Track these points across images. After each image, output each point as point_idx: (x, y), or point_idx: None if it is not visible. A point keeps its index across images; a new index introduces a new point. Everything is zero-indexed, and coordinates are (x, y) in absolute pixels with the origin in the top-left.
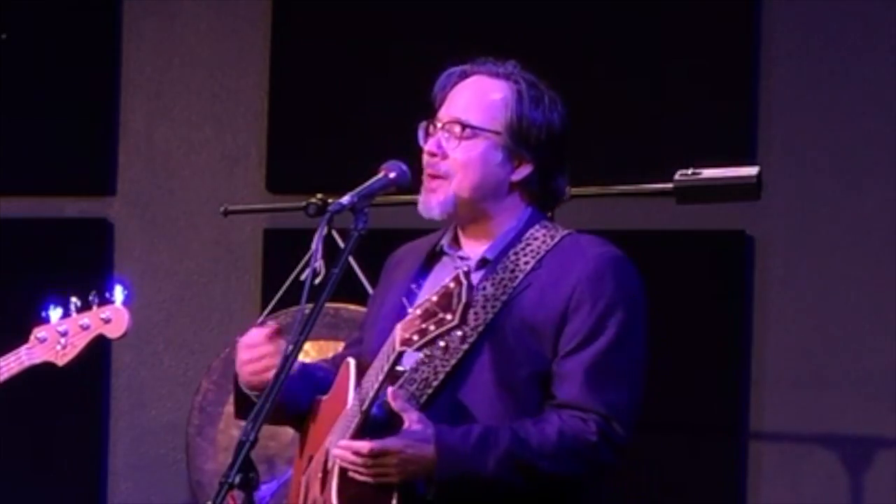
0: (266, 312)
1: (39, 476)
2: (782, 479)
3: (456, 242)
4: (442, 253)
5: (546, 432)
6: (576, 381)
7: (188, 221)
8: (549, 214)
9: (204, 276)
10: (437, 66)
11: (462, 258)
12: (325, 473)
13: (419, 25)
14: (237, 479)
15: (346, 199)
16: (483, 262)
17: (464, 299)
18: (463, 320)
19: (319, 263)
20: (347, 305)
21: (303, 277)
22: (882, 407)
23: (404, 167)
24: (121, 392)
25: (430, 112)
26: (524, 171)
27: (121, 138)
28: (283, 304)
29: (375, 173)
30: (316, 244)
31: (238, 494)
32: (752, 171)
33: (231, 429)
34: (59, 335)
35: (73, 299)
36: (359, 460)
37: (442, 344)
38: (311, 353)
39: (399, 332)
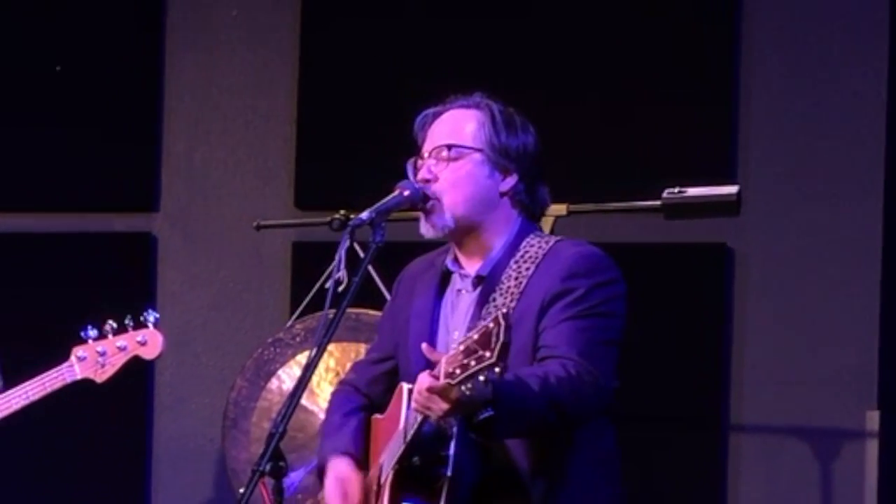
0: (294, 317)
1: (89, 464)
2: (759, 469)
3: (457, 260)
4: (449, 272)
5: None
6: (561, 336)
7: (224, 235)
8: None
9: (238, 285)
10: (443, 96)
11: (464, 276)
12: (379, 487)
13: (432, 59)
14: (268, 467)
15: (365, 215)
16: (479, 280)
17: (501, 339)
18: (500, 358)
19: (342, 273)
20: (367, 310)
21: (327, 285)
22: (849, 403)
23: (417, 186)
24: (164, 388)
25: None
26: (511, 181)
27: (164, 160)
28: (309, 310)
29: (392, 192)
30: (339, 255)
31: (269, 481)
32: (732, 189)
33: (263, 421)
34: (98, 355)
35: (110, 321)
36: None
37: (482, 378)
38: (335, 353)
39: (443, 365)
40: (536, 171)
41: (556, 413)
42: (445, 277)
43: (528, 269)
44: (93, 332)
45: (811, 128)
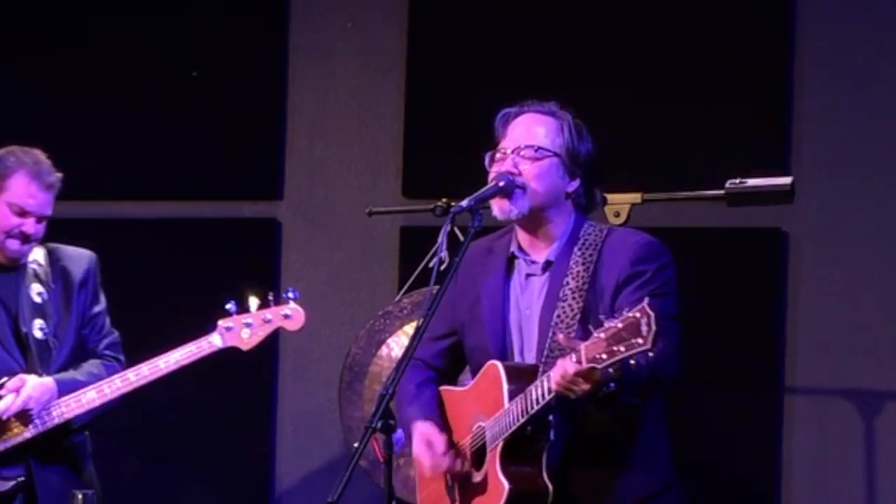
0: (402, 293)
1: (223, 422)
2: (811, 427)
3: (520, 248)
4: (514, 257)
5: None
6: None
7: (340, 220)
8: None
9: (353, 264)
10: (534, 98)
11: (532, 262)
12: (478, 454)
13: (524, 65)
14: (379, 425)
15: (465, 203)
16: (547, 264)
17: (653, 328)
18: (654, 344)
19: (444, 254)
20: None
21: (431, 265)
22: (891, 367)
23: (511, 177)
24: (287, 356)
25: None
26: (574, 184)
27: (287, 154)
28: (415, 286)
29: (488, 183)
30: (441, 238)
31: (379, 437)
32: (786, 180)
33: (374, 384)
34: (244, 326)
35: (252, 297)
36: (574, 378)
37: (632, 362)
38: None
39: (585, 351)
40: (595, 175)
41: (654, 384)
42: (510, 261)
43: (591, 255)
44: (235, 307)
45: (858, 124)
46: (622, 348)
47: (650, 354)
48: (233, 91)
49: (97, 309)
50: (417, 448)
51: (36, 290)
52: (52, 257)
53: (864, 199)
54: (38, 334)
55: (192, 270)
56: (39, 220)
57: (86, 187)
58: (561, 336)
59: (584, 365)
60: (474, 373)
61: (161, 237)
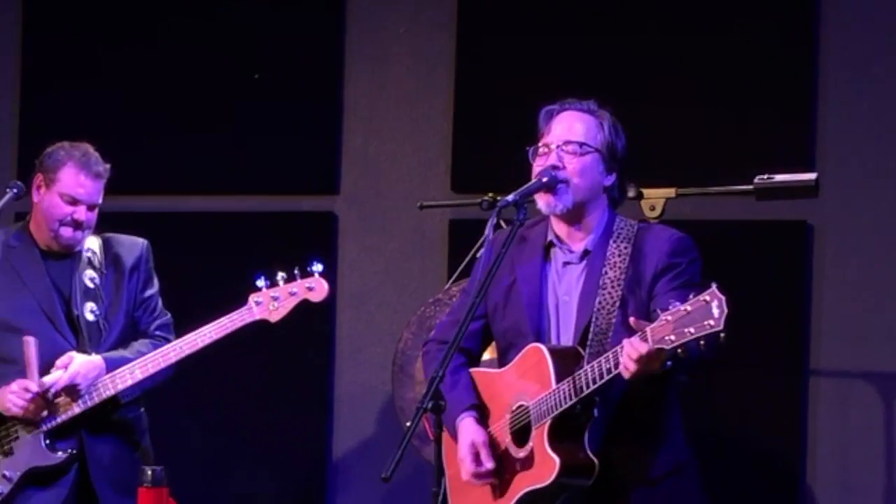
0: (451, 281)
1: (281, 404)
2: (834, 409)
3: (557, 238)
4: (551, 245)
5: None
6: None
7: (393, 214)
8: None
9: (405, 255)
10: (564, 98)
11: (569, 251)
12: (518, 432)
13: (566, 67)
14: (430, 405)
15: (510, 197)
16: (585, 253)
17: (725, 310)
18: (726, 325)
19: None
20: None
21: (478, 255)
22: None
23: (554, 173)
24: (344, 341)
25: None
26: (611, 178)
27: (343, 152)
28: (463, 275)
29: (532, 178)
30: (488, 230)
31: (430, 417)
32: (811, 176)
33: None
34: (272, 299)
35: (280, 273)
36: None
37: (702, 342)
38: None
39: (651, 333)
40: (627, 170)
41: (702, 364)
42: (546, 249)
43: (625, 247)
44: (265, 282)
45: (880, 121)
46: (692, 329)
47: (722, 335)
48: (292, 92)
49: (150, 292)
50: (464, 455)
51: (89, 276)
52: (107, 246)
53: (886, 193)
54: (89, 317)
55: (254, 261)
56: (90, 208)
57: (154, 183)
58: (632, 319)
59: (652, 346)
60: (502, 354)
61: (225, 229)
